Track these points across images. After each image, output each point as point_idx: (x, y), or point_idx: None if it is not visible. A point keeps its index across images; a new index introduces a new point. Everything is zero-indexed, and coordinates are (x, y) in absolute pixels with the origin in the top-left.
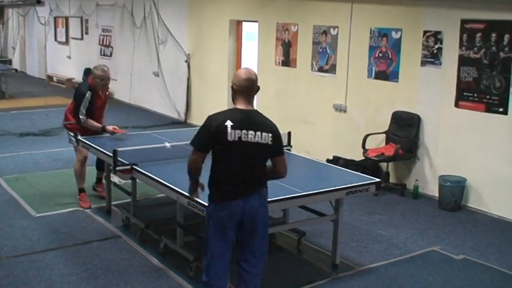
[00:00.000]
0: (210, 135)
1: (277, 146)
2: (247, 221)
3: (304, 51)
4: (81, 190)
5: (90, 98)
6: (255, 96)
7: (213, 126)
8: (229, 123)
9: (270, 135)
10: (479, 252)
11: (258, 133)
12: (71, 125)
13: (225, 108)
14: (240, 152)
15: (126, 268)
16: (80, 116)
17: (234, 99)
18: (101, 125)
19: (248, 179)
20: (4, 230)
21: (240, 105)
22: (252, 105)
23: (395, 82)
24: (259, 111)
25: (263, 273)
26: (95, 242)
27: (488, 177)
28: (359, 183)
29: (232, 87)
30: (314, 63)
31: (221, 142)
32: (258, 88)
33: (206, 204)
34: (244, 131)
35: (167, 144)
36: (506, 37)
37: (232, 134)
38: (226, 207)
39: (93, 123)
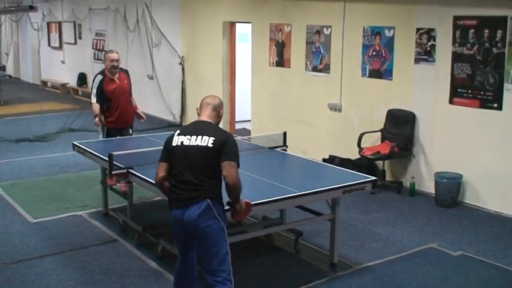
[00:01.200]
0: (164, 145)
1: (221, 151)
2: (188, 231)
3: (297, 51)
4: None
5: (100, 81)
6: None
7: (169, 137)
8: (178, 131)
9: (212, 138)
10: (476, 248)
11: (199, 137)
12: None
13: None
14: (182, 156)
15: (124, 272)
16: (92, 97)
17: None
18: (97, 112)
19: (191, 186)
20: (1, 236)
21: (198, 118)
22: (209, 119)
23: (389, 80)
24: (253, 112)
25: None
26: (93, 247)
27: (484, 173)
28: (355, 182)
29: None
30: (308, 63)
31: (169, 148)
32: (216, 111)
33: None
34: (188, 136)
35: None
36: (499, 33)
37: (176, 140)
38: (172, 215)
39: (94, 108)
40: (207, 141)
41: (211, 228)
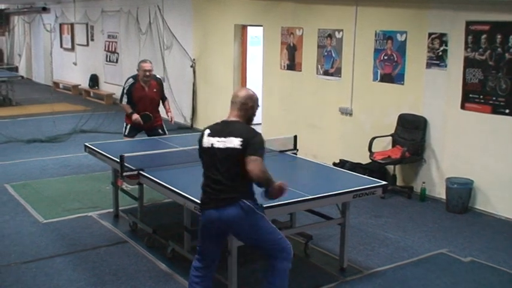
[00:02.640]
0: (198, 144)
1: (247, 148)
2: (229, 230)
3: (309, 55)
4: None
5: (131, 84)
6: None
7: (200, 135)
8: (207, 131)
9: (239, 139)
10: (487, 254)
11: (229, 139)
12: (126, 118)
13: None
14: (213, 158)
15: (133, 273)
16: (121, 98)
17: None
18: (130, 110)
19: (222, 188)
20: (12, 236)
21: (227, 117)
22: (239, 118)
23: (401, 85)
24: (264, 115)
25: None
26: (103, 248)
27: (495, 178)
28: (366, 187)
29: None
30: (319, 66)
31: (200, 149)
32: (249, 107)
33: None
34: (217, 138)
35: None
36: None
37: (206, 142)
38: (205, 215)
39: (124, 106)
40: (236, 142)
41: (255, 223)
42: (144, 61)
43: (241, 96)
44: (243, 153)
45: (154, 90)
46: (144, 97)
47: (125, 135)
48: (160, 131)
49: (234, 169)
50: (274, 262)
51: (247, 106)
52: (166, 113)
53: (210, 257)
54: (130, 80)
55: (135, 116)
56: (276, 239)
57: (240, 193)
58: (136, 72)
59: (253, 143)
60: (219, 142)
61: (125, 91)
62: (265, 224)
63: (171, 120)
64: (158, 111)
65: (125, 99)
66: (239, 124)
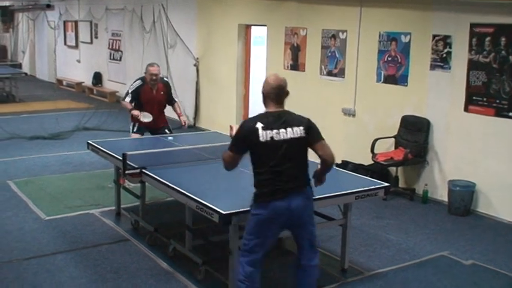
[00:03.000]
0: (242, 138)
1: (312, 134)
2: (293, 220)
3: (312, 55)
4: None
5: (138, 86)
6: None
7: (244, 130)
8: (259, 125)
9: (301, 127)
10: (488, 258)
11: (290, 129)
12: (131, 117)
13: (233, 111)
14: (276, 151)
15: (135, 271)
16: (125, 96)
17: (265, 104)
18: (130, 107)
19: (291, 177)
20: (14, 232)
21: (271, 109)
22: (282, 107)
23: (404, 86)
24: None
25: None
26: (104, 245)
27: (497, 182)
28: (368, 188)
29: (262, 93)
30: (323, 67)
31: (254, 143)
32: (287, 92)
33: (219, 210)
34: (275, 131)
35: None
36: None
37: (263, 135)
38: (270, 207)
39: (125, 104)
40: (299, 131)
41: (312, 210)
42: (151, 65)
43: (281, 84)
44: (306, 141)
45: (162, 93)
46: (152, 100)
47: (134, 132)
48: (167, 131)
49: (299, 158)
50: (315, 255)
51: (286, 91)
52: (179, 117)
53: (261, 253)
54: (139, 82)
55: (136, 112)
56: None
57: (304, 181)
58: (144, 74)
59: (315, 128)
60: (279, 134)
61: (130, 91)
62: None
63: (185, 125)
64: (164, 113)
65: (128, 98)
66: (290, 113)
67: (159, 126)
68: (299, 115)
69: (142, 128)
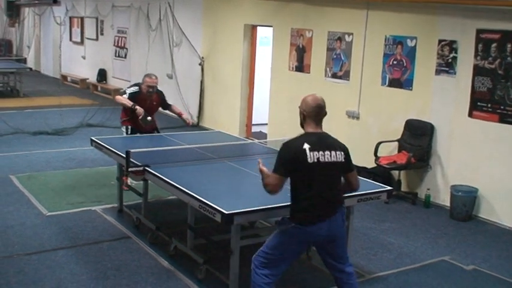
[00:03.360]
0: (290, 160)
1: (349, 162)
2: (329, 239)
3: (318, 57)
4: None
5: (135, 92)
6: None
7: (292, 151)
8: (306, 146)
9: (342, 153)
10: (489, 263)
11: (333, 152)
12: (123, 121)
13: (237, 111)
14: (320, 173)
15: (136, 269)
16: (123, 94)
17: (303, 124)
18: (131, 103)
19: (331, 199)
20: (15, 227)
21: (311, 129)
22: (321, 128)
23: (409, 90)
24: (270, 116)
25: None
26: (106, 242)
27: (500, 188)
28: (370, 191)
29: (302, 112)
30: (328, 69)
31: (302, 165)
32: (326, 113)
33: (221, 210)
34: (321, 152)
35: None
36: None
37: (311, 156)
38: (310, 230)
39: (125, 101)
40: (340, 156)
41: (345, 228)
42: (149, 76)
43: (320, 104)
44: (345, 166)
45: (155, 103)
46: (145, 109)
47: (128, 134)
48: (155, 132)
49: (338, 180)
50: (349, 268)
51: (325, 111)
52: (180, 116)
53: (283, 269)
54: (136, 88)
55: (140, 110)
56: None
57: (340, 201)
58: (141, 81)
59: (350, 157)
60: (324, 156)
61: (127, 92)
62: None
63: (189, 123)
64: (154, 120)
65: (126, 96)
66: (329, 136)
67: (150, 130)
68: (336, 139)
69: (137, 131)
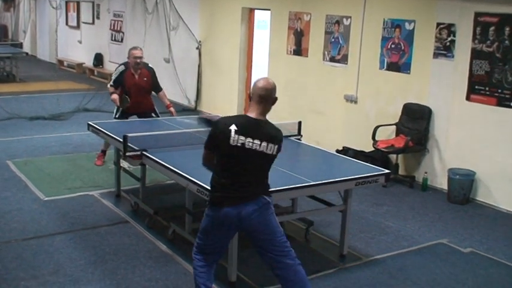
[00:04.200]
0: (214, 136)
1: (278, 151)
2: (245, 229)
3: (316, 40)
4: (103, 151)
5: (121, 71)
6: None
7: (219, 128)
8: (233, 127)
9: (276, 146)
10: (486, 246)
11: (264, 143)
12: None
13: (235, 95)
14: (242, 158)
15: (134, 253)
16: (109, 82)
17: (249, 106)
18: (112, 91)
19: (246, 188)
20: (13, 213)
21: (251, 114)
22: (264, 116)
23: (407, 74)
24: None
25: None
26: (104, 227)
27: (497, 171)
28: (368, 175)
29: (249, 94)
30: (326, 53)
31: (223, 144)
32: (275, 100)
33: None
34: (249, 139)
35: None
36: None
37: (234, 139)
38: (220, 212)
39: (109, 89)
40: (272, 149)
41: (271, 218)
42: (134, 48)
43: (272, 92)
44: (274, 158)
45: (145, 78)
46: (135, 85)
47: (115, 118)
48: (153, 114)
49: (263, 170)
50: (286, 260)
51: (273, 98)
52: (167, 108)
53: (214, 255)
54: (122, 67)
55: (114, 96)
56: (284, 238)
57: (263, 190)
58: (127, 60)
59: (281, 145)
60: (252, 143)
61: (113, 77)
62: (275, 220)
63: (174, 115)
64: (149, 98)
65: (112, 84)
66: (270, 125)
67: (144, 110)
68: (276, 129)
69: (126, 113)
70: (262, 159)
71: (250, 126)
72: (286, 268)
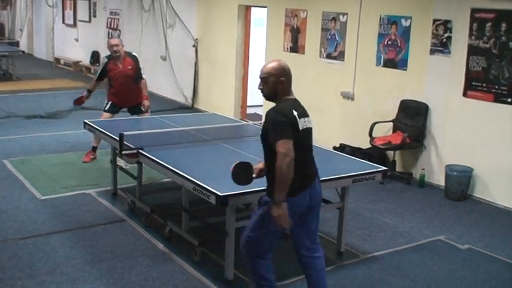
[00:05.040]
0: (289, 124)
1: None
2: (314, 203)
3: (312, 37)
4: (93, 148)
5: (105, 63)
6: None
7: (289, 116)
8: (295, 112)
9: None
10: (484, 242)
11: (309, 119)
12: (107, 95)
13: (232, 93)
14: (306, 139)
15: (131, 252)
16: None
17: (283, 91)
18: (90, 88)
19: (312, 164)
20: (9, 212)
21: (291, 96)
22: (293, 93)
23: (403, 70)
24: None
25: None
26: (100, 226)
27: (494, 167)
28: (365, 171)
29: (281, 81)
30: (322, 49)
31: (295, 132)
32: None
33: (216, 192)
34: (303, 119)
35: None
36: None
37: (302, 123)
38: (306, 192)
39: (92, 83)
40: (311, 122)
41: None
42: (113, 38)
43: (288, 70)
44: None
45: (129, 67)
46: (119, 74)
47: (105, 111)
48: (142, 108)
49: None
50: (319, 247)
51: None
52: (142, 100)
53: (270, 251)
54: (105, 59)
55: (83, 93)
56: None
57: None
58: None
59: None
60: (307, 122)
61: (98, 71)
62: None
63: (146, 110)
64: (139, 88)
65: (96, 77)
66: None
67: (135, 103)
68: None
69: (117, 106)
70: (311, 135)
71: (300, 107)
72: (320, 250)
